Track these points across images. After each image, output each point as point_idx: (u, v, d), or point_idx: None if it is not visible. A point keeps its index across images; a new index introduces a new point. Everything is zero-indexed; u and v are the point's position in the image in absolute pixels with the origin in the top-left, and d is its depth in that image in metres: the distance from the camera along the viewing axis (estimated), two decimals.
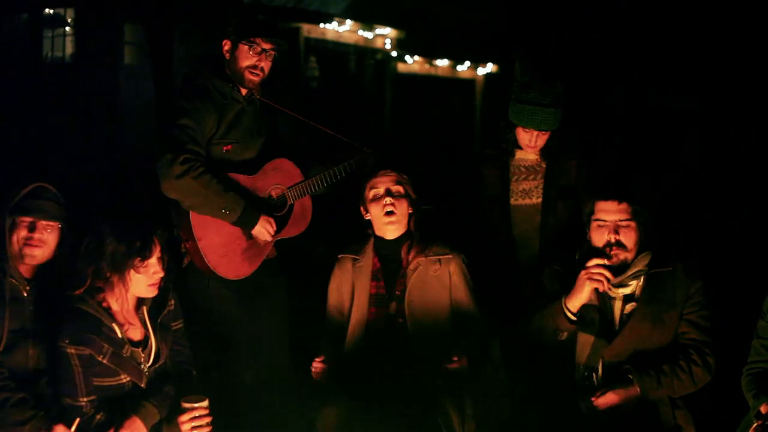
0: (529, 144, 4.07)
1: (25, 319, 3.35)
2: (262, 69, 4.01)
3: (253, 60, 3.97)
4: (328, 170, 4.15)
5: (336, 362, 3.61)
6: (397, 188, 3.71)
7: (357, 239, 3.87)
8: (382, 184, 3.71)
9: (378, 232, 3.77)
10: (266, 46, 3.99)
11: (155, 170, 3.81)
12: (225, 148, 3.98)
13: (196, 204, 3.84)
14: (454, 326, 3.69)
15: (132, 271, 3.24)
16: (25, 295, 3.38)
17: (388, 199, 3.68)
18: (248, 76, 3.98)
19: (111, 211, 3.51)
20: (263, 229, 3.97)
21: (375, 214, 3.72)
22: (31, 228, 3.34)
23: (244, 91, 4.06)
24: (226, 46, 4.02)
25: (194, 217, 3.87)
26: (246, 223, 3.93)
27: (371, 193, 3.73)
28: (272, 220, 4.00)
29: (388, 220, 3.69)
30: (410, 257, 3.71)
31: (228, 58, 4.02)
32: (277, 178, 4.13)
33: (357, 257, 3.81)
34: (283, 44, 4.07)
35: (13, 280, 3.35)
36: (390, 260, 3.76)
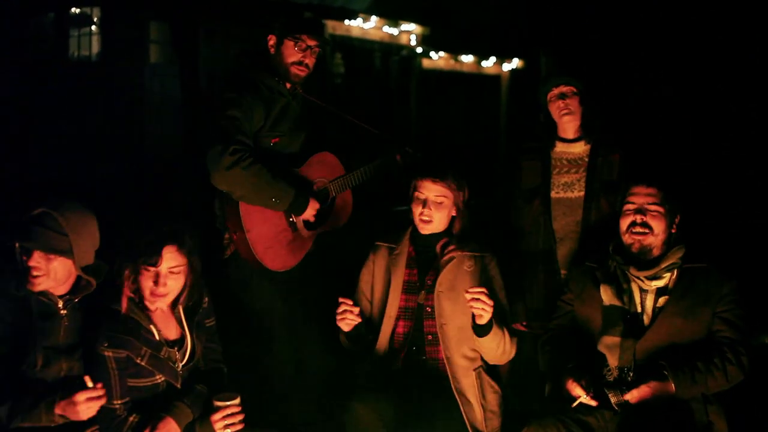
0: (562, 108, 4.06)
1: (58, 335, 3.27)
2: (306, 65, 4.07)
3: (298, 56, 4.04)
4: (368, 165, 4.23)
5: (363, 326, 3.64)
6: (439, 199, 3.70)
7: (395, 227, 3.88)
8: (425, 191, 3.72)
9: (416, 224, 3.77)
10: (311, 43, 4.05)
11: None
12: (273, 140, 4.05)
13: (247, 194, 3.86)
14: None
15: (139, 277, 3.23)
16: (60, 309, 3.29)
17: (425, 211, 3.69)
18: (294, 70, 4.05)
19: (129, 218, 3.48)
20: (313, 212, 4.05)
21: (414, 211, 3.73)
22: (29, 256, 3.17)
23: (288, 85, 4.10)
24: (272, 41, 4.08)
25: (244, 209, 3.90)
26: (297, 209, 3.98)
27: (415, 194, 3.74)
28: (317, 204, 4.06)
29: (422, 225, 3.72)
30: (446, 251, 3.72)
31: (273, 53, 4.08)
32: (321, 171, 4.18)
33: (394, 246, 3.82)
34: (327, 41, 4.13)
35: (43, 298, 3.26)
36: (425, 250, 3.78)
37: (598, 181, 4.08)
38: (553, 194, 4.13)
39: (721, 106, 11.46)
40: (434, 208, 3.70)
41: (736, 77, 11.50)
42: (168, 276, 3.24)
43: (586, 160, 4.11)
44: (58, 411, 3.06)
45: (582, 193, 4.09)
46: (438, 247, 3.76)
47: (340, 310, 3.57)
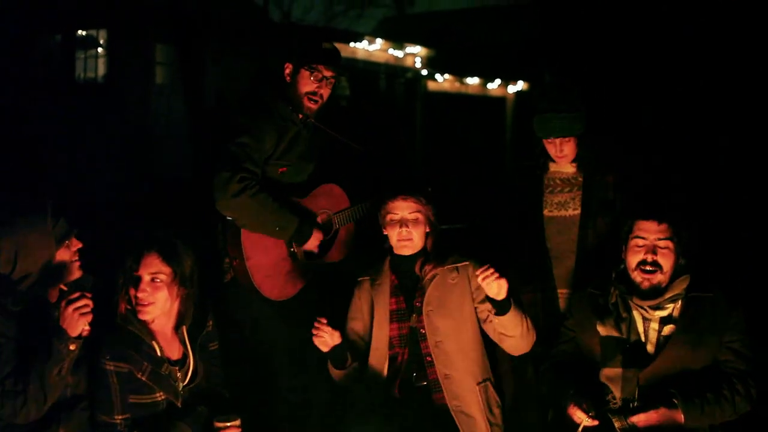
0: (557, 154, 4.03)
1: None
2: (321, 96, 4.02)
3: (313, 86, 3.99)
4: (373, 198, 4.16)
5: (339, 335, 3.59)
6: (414, 216, 3.66)
7: (374, 260, 3.85)
8: (398, 210, 3.67)
9: (394, 250, 3.75)
10: (327, 74, 4.00)
11: (211, 189, 3.79)
12: (280, 169, 4.01)
13: (251, 222, 3.85)
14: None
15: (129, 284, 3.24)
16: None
17: (403, 231, 3.65)
18: (306, 102, 4.00)
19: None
20: (316, 243, 4.01)
21: (390, 235, 3.70)
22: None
23: (300, 115, 4.06)
24: (288, 69, 4.03)
25: (245, 236, 3.88)
26: (301, 238, 3.95)
27: (387, 217, 3.70)
28: (321, 234, 4.03)
29: (402, 245, 3.68)
30: (426, 270, 3.69)
31: (288, 81, 4.03)
32: (325, 202, 4.14)
33: (375, 277, 3.79)
34: (344, 72, 4.08)
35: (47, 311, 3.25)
36: (407, 275, 3.74)
37: (594, 200, 4.05)
38: (546, 212, 4.10)
39: (724, 123, 11.51)
40: (412, 225, 3.67)
41: (743, 93, 11.54)
42: (149, 284, 3.24)
43: (580, 179, 4.09)
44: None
45: (577, 212, 4.07)
46: (417, 269, 3.73)
47: (314, 331, 3.56)
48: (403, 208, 3.66)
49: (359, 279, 3.85)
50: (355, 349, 3.75)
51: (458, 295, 3.64)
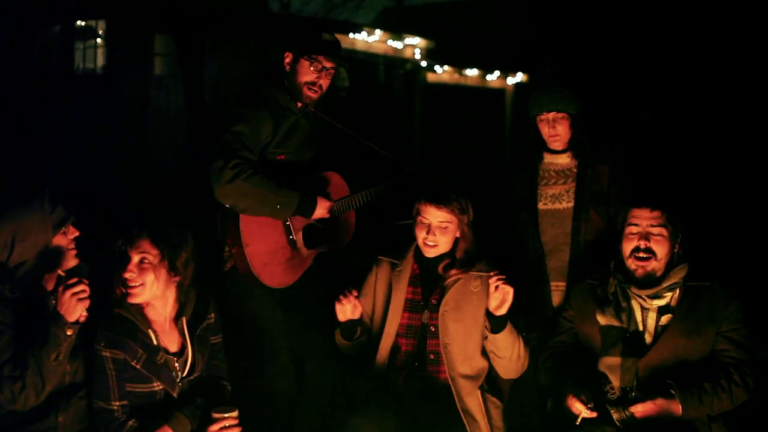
0: (550, 133, 4.02)
1: None
2: (320, 86, 4.01)
3: (312, 76, 3.97)
4: (373, 188, 4.16)
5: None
6: (443, 225, 3.63)
7: (398, 243, 3.84)
8: (429, 216, 3.63)
9: (420, 247, 3.73)
10: (327, 65, 3.99)
11: (208, 177, 3.79)
12: (279, 157, 3.99)
13: (251, 205, 3.83)
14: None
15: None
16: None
17: (429, 237, 3.64)
18: (306, 92, 3.99)
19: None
20: (324, 210, 4.00)
21: (417, 234, 3.68)
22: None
23: (299, 104, 4.06)
24: (288, 58, 4.02)
25: (244, 224, 3.87)
26: (306, 210, 3.94)
27: (418, 217, 3.68)
28: (327, 201, 4.02)
29: (426, 248, 3.67)
30: (450, 272, 3.67)
31: (288, 70, 4.02)
32: (325, 191, 4.12)
33: (397, 262, 3.78)
34: (344, 64, 4.08)
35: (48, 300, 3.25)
36: (430, 268, 3.73)
37: (587, 192, 4.04)
38: (540, 206, 4.10)
39: (723, 115, 11.53)
40: (439, 233, 3.64)
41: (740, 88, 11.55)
42: (137, 265, 3.22)
43: (574, 171, 4.08)
44: None
45: (570, 204, 4.06)
46: (440, 268, 3.72)
47: (342, 298, 3.57)
48: (435, 216, 3.63)
49: (379, 257, 3.84)
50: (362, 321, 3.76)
51: (476, 304, 3.62)
